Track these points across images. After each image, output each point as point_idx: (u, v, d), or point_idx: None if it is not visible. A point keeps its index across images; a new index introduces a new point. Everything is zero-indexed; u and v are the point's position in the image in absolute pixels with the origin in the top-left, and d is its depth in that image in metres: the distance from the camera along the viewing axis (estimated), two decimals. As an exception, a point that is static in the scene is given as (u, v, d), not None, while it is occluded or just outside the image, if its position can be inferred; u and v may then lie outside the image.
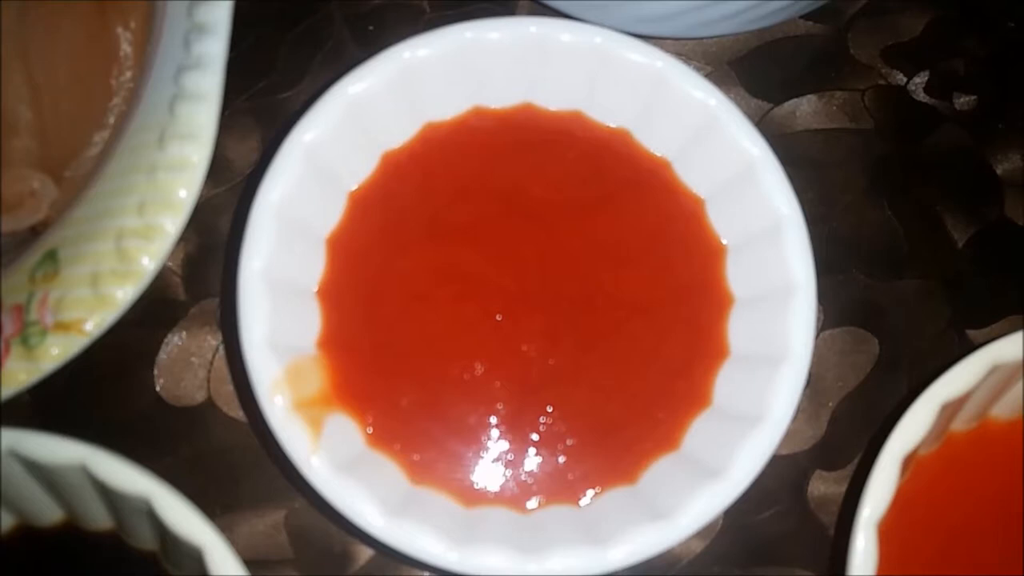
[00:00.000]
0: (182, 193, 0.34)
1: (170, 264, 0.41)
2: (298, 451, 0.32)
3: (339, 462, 0.33)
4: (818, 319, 0.41)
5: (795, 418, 0.40)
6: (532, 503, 0.34)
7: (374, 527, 0.32)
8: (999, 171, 0.44)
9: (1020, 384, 0.36)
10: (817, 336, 0.41)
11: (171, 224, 0.34)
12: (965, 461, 0.38)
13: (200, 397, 0.40)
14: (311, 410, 0.33)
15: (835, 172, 0.44)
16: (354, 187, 0.37)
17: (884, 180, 0.44)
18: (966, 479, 0.38)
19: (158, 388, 0.40)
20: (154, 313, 0.40)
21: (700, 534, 0.38)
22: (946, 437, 0.37)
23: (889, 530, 0.36)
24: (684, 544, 0.38)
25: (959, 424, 0.37)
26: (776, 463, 0.39)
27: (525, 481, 0.34)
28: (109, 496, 0.32)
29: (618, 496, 0.34)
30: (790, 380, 0.33)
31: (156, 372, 0.40)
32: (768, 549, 0.39)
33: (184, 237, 0.40)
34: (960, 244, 0.43)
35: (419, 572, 0.38)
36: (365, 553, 0.38)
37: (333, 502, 0.32)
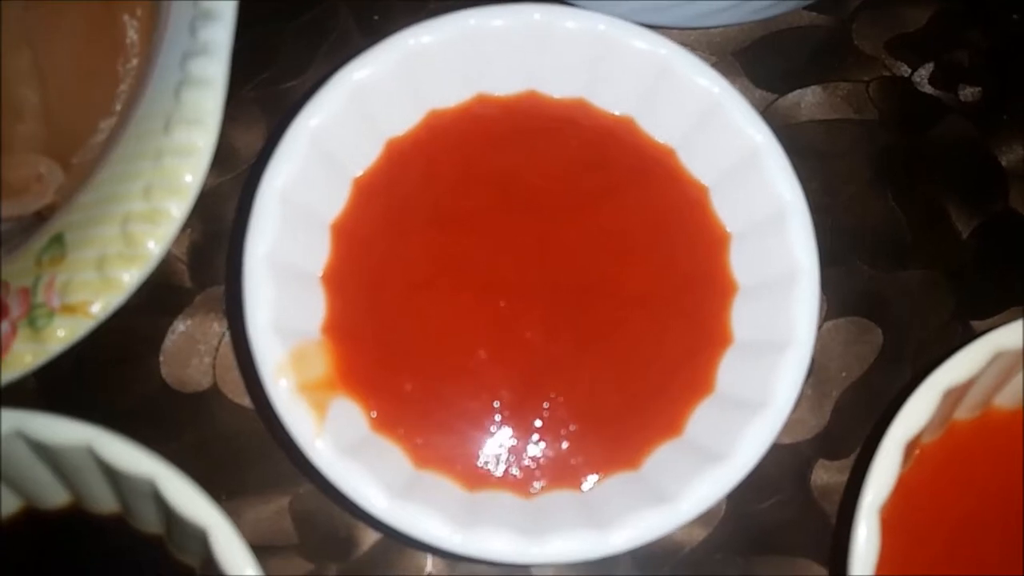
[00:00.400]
0: (187, 178, 0.34)
1: (176, 252, 0.41)
2: (303, 434, 0.32)
3: (343, 445, 0.33)
4: (822, 309, 0.41)
5: (798, 407, 0.40)
6: (535, 487, 0.34)
7: (378, 509, 0.32)
8: (1004, 162, 0.45)
9: (1022, 373, 0.36)
10: (821, 326, 0.41)
11: (176, 209, 0.34)
12: (969, 450, 0.38)
13: (206, 383, 0.40)
14: (315, 394, 0.33)
15: (839, 163, 0.44)
16: (358, 174, 0.37)
17: (888, 171, 0.44)
18: (970, 468, 0.38)
19: (163, 374, 0.40)
20: (160, 300, 0.41)
21: (703, 522, 0.39)
22: (949, 426, 0.37)
23: (892, 519, 0.36)
24: (687, 532, 0.39)
25: (962, 413, 0.37)
26: (779, 452, 0.39)
27: (528, 466, 0.34)
28: (114, 478, 0.32)
29: (620, 481, 0.34)
30: (793, 366, 0.33)
31: (162, 358, 0.40)
32: (771, 538, 0.39)
33: (189, 225, 0.41)
34: (964, 235, 0.43)
35: (422, 557, 0.38)
36: (370, 538, 0.38)
37: (337, 484, 0.32)
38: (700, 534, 0.39)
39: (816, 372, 0.41)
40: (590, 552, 0.32)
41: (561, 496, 0.34)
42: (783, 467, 0.40)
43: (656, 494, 0.32)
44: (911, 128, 0.45)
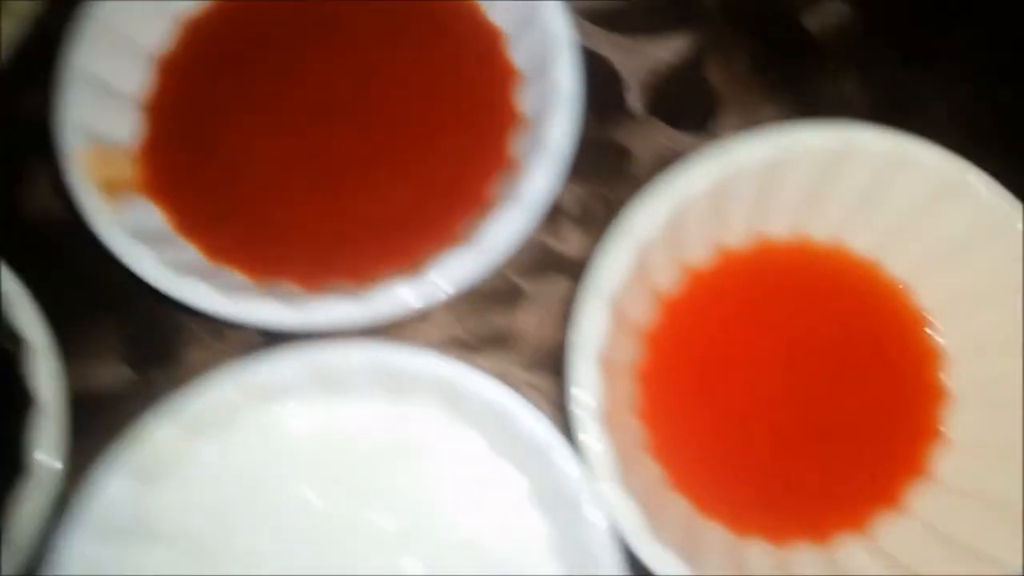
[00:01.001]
0: None
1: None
2: (98, 217, 0.36)
3: (139, 235, 0.36)
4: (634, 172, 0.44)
5: (568, 239, 0.43)
6: (316, 281, 0.37)
7: (163, 285, 0.35)
8: (814, 36, 0.48)
9: (787, 198, 0.39)
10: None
11: None
12: (739, 275, 0.40)
13: (53, 211, 0.43)
14: (117, 189, 0.37)
15: (659, 43, 0.47)
16: (184, 12, 0.41)
17: (706, 49, 0.47)
18: (740, 293, 0.40)
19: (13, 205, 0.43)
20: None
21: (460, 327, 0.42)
22: (722, 252, 0.40)
23: (658, 339, 0.39)
24: (444, 329, 0.42)
25: (731, 237, 0.40)
26: (548, 279, 0.43)
27: (312, 263, 0.38)
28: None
29: (395, 275, 0.37)
30: (543, 170, 0.37)
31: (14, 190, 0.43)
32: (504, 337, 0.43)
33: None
34: (771, 103, 0.47)
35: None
36: (194, 354, 0.42)
37: (128, 264, 0.36)
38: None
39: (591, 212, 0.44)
40: (352, 319, 0.35)
41: (338, 286, 0.37)
42: (548, 292, 0.43)
43: (418, 275, 0.36)
44: (734, 12, 0.48)
